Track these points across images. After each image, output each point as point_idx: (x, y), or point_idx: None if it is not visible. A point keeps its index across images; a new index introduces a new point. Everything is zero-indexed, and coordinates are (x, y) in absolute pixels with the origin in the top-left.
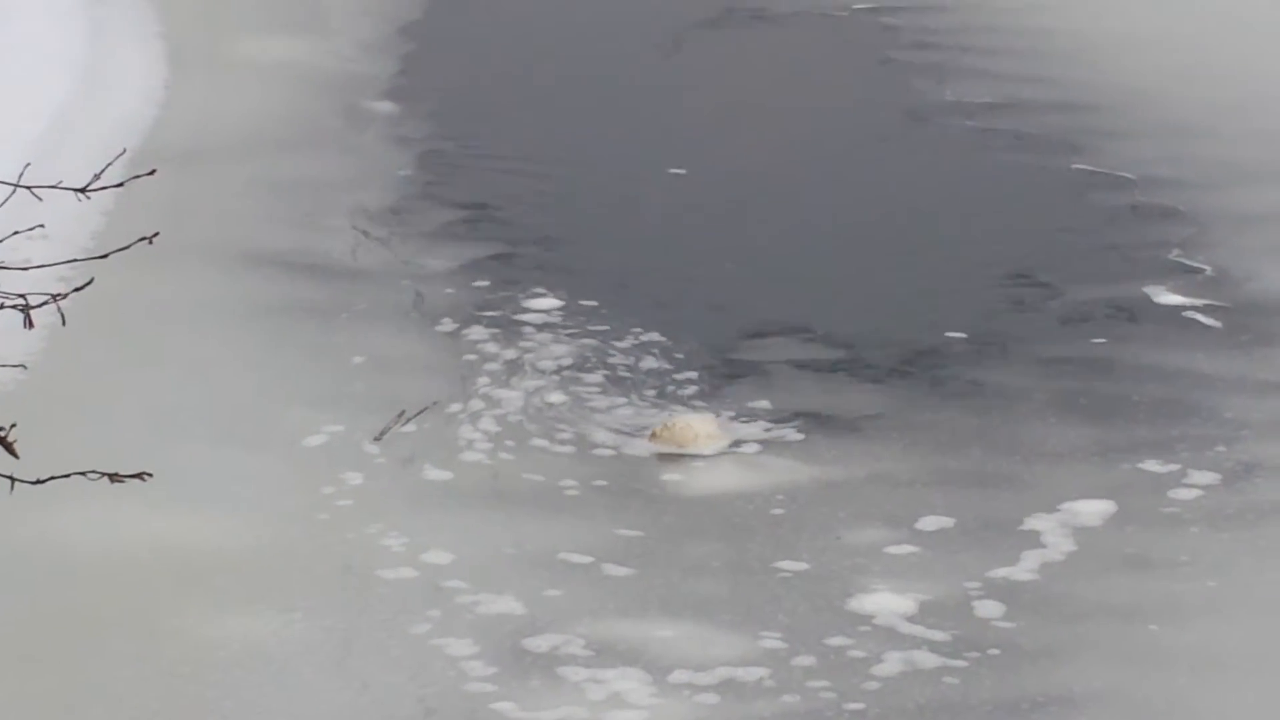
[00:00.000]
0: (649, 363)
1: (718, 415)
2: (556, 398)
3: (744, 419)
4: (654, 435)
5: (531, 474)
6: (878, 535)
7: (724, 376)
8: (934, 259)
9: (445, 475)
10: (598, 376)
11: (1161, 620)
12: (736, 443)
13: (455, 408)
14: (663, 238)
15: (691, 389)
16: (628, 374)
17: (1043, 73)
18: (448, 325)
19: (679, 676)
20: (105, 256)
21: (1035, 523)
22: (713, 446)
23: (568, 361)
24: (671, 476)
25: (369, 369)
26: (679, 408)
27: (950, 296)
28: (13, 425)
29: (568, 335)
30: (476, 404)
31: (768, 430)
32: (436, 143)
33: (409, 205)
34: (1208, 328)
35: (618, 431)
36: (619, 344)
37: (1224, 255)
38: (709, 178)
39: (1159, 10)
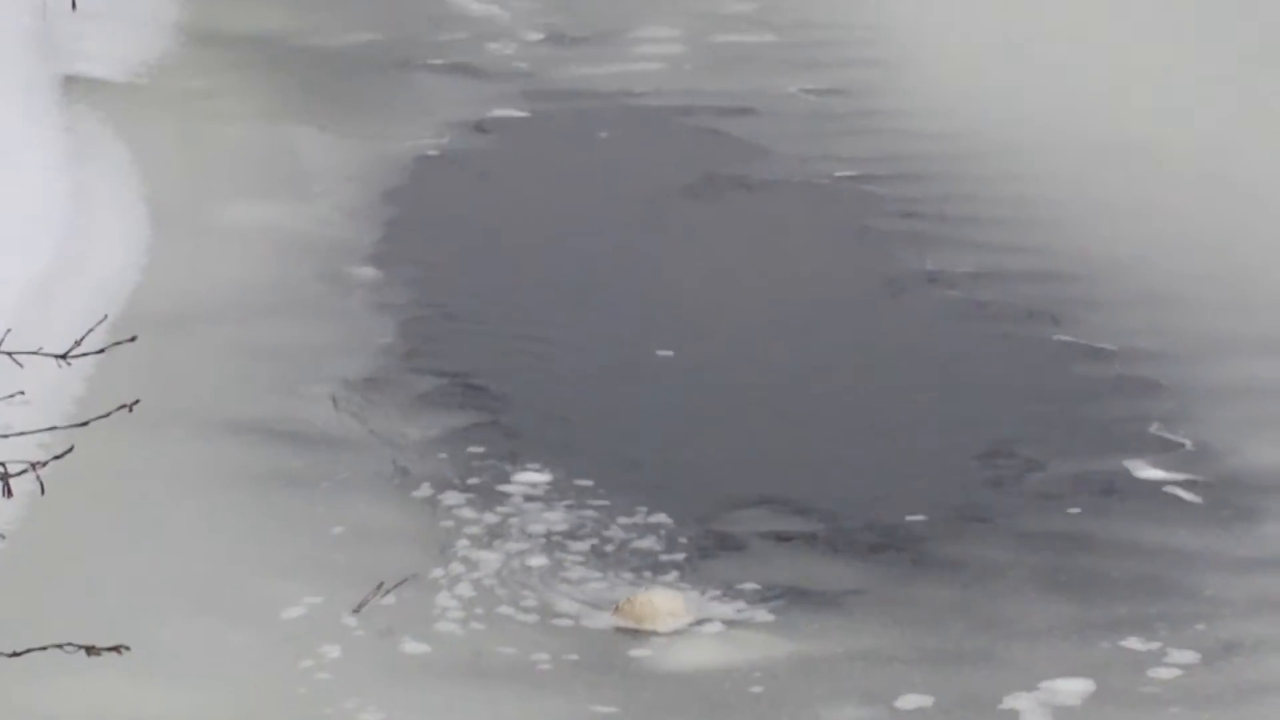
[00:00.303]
0: (625, 535)
1: (692, 590)
2: (535, 569)
3: (722, 593)
4: (617, 609)
5: (511, 648)
6: (856, 713)
7: (702, 549)
8: (913, 431)
9: (424, 648)
10: (577, 548)
11: None
12: (702, 620)
13: (434, 579)
14: (641, 409)
15: (669, 561)
16: (605, 546)
17: (1024, 242)
18: (428, 495)
19: None
20: (85, 424)
21: (1015, 701)
22: (673, 624)
23: (545, 533)
24: (648, 652)
25: (349, 539)
26: (652, 581)
27: (929, 470)
28: None
29: (546, 507)
30: (455, 576)
31: (746, 605)
32: (419, 310)
33: (390, 373)
34: (1188, 503)
35: (587, 604)
36: (598, 516)
37: (1205, 429)
38: (690, 348)
39: (1139, 180)
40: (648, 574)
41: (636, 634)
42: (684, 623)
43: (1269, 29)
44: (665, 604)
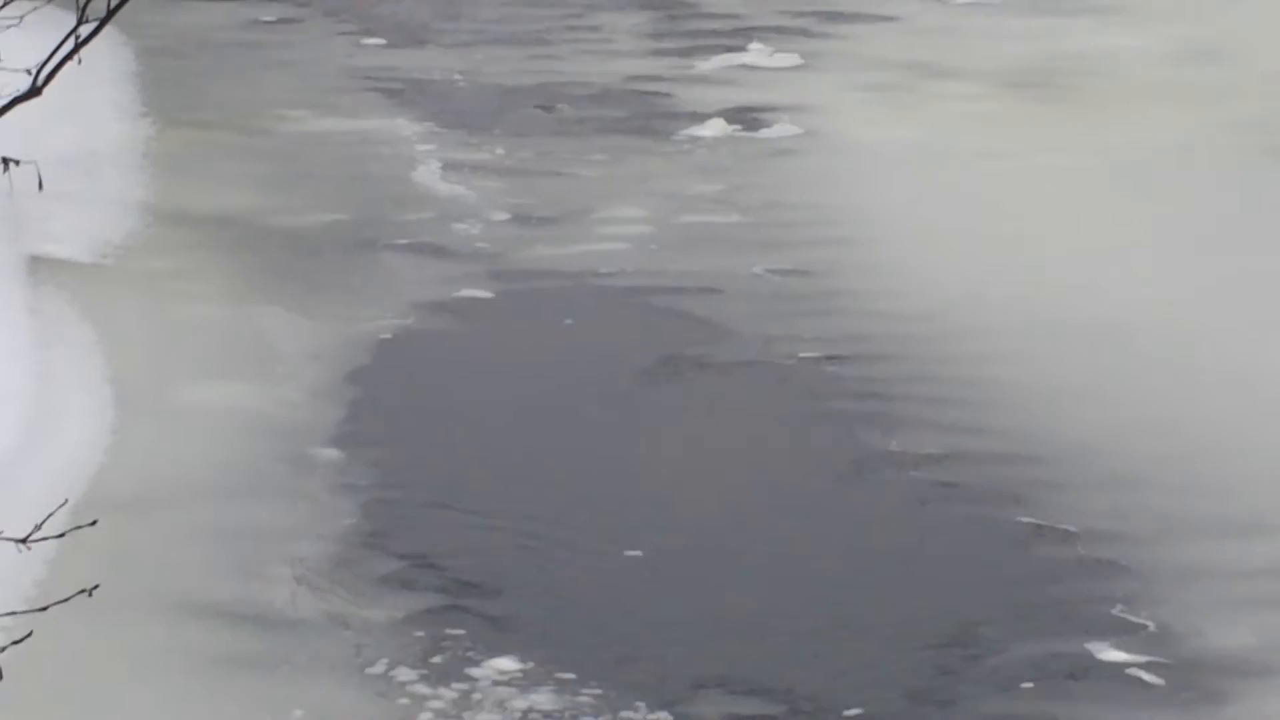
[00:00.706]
0: (587, 718)
1: None
2: None
3: None
4: None
5: None
6: None
7: None
8: (876, 614)
9: None
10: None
11: None
12: None
13: None
14: (602, 593)
15: None
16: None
17: (987, 423)
18: (388, 677)
19: None
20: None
21: None
22: None
23: (505, 717)
24: None
25: None
26: None
27: (891, 652)
28: None
29: (508, 691)
30: None
31: None
32: (382, 492)
33: (353, 555)
34: (1151, 685)
35: None
36: (559, 700)
37: (1167, 611)
38: (654, 535)
39: (1101, 362)
40: None
41: None
42: None
43: (1225, 217)
44: None
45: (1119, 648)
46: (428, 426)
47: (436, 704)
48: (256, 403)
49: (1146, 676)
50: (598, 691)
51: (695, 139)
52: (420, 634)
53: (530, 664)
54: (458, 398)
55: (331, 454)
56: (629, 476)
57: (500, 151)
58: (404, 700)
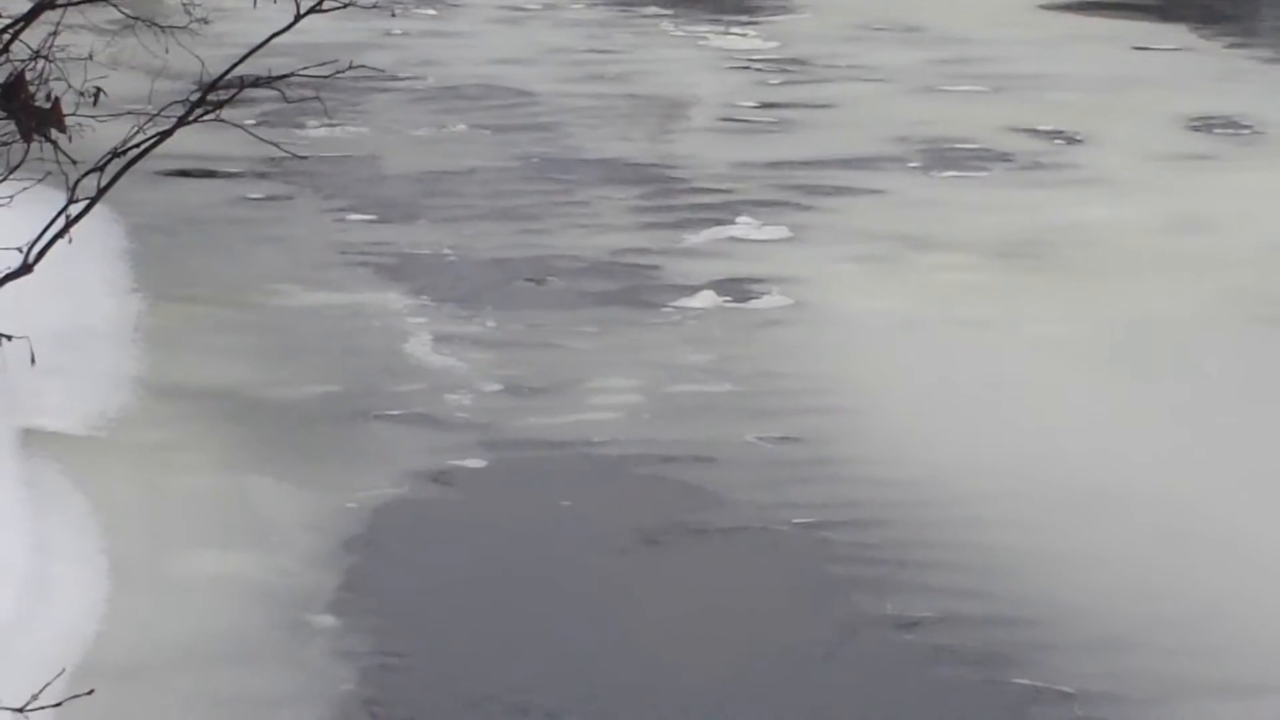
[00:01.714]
0: None
1: None
2: None
3: None
4: None
5: None
6: None
7: None
8: None
9: None
10: None
11: None
12: None
13: None
14: None
15: None
16: None
17: (981, 587)
18: None
19: None
20: None
21: None
22: None
23: None
24: None
25: None
26: None
27: None
28: None
29: None
30: None
31: None
32: (379, 658)
33: None
34: None
35: None
36: None
37: None
38: (651, 701)
39: (1095, 526)
40: None
41: None
42: None
43: (1217, 385)
44: None
45: None
46: (423, 595)
47: None
48: (252, 571)
49: None
50: None
51: (685, 310)
52: None
53: None
54: (452, 566)
55: (328, 621)
56: (622, 645)
57: (491, 324)
58: None
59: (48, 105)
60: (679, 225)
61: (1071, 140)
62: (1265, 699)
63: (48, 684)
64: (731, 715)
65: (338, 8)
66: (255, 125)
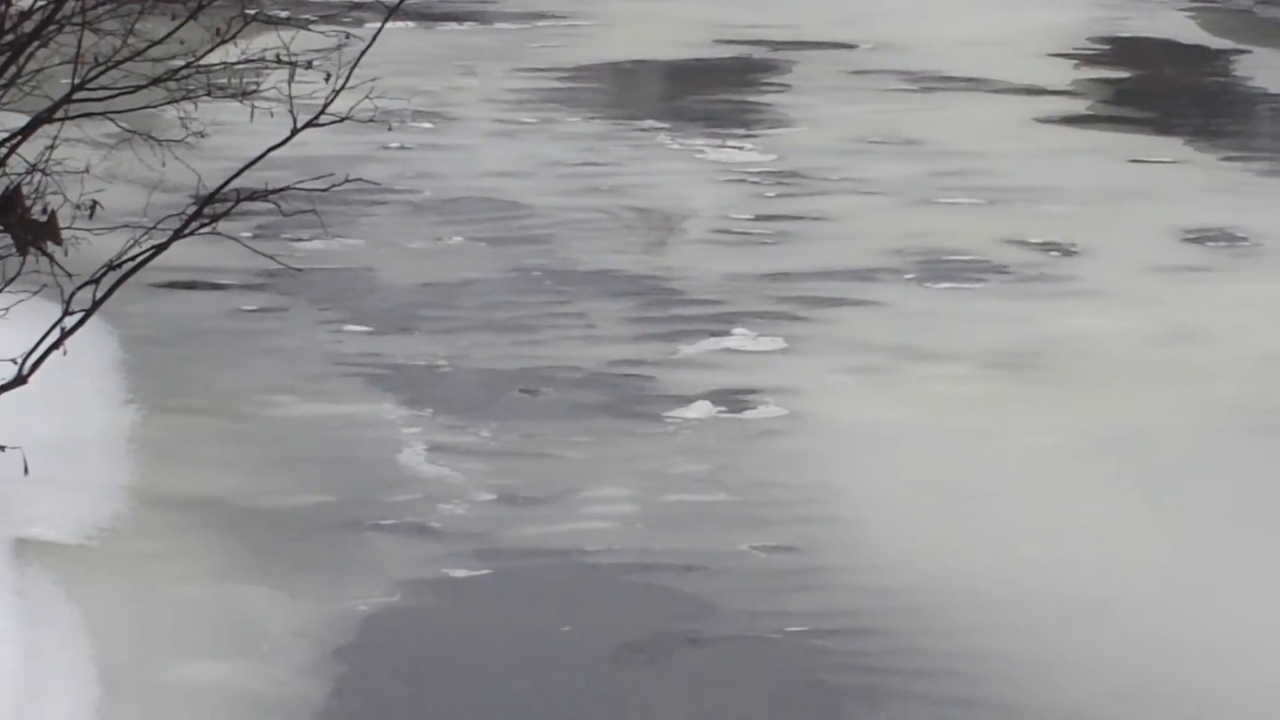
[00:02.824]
0: None
1: None
2: None
3: None
4: None
5: None
6: None
7: None
8: None
9: None
10: None
11: None
12: None
13: None
14: None
15: None
16: None
17: (977, 695)
18: None
19: None
20: None
21: None
22: None
23: None
24: None
25: None
26: None
27: None
28: None
29: None
30: None
31: None
32: None
33: None
34: None
35: None
36: None
37: None
38: None
39: (1090, 635)
40: None
41: None
42: None
43: (1211, 494)
44: None
45: None
46: (415, 704)
47: None
48: (243, 680)
49: None
50: None
51: (680, 420)
52: None
53: None
54: (444, 675)
55: None
56: None
57: (485, 434)
58: None
59: (44, 218)
60: (674, 336)
61: (1067, 252)
62: None
63: None
64: None
65: (334, 122)
66: (251, 238)
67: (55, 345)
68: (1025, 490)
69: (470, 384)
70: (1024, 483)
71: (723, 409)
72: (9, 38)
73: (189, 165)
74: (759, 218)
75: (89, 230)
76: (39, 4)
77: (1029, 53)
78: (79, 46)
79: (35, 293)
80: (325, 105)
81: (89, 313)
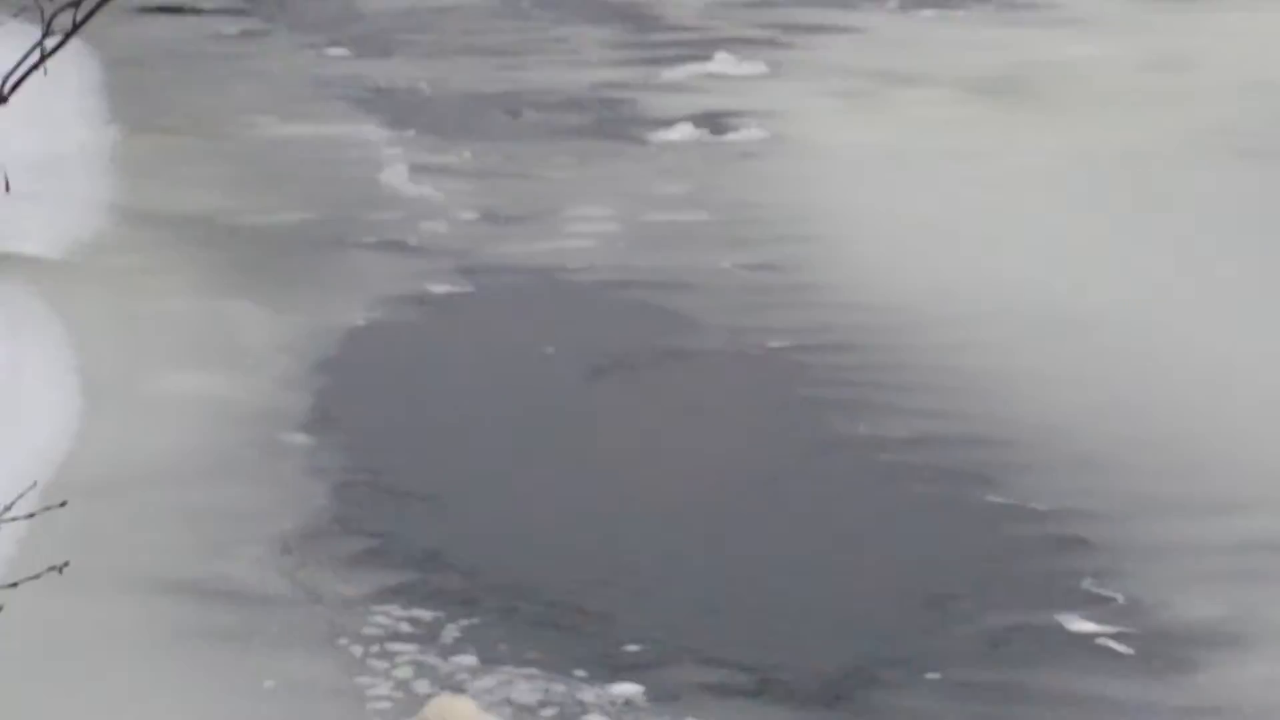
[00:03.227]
0: (556, 690)
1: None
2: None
3: None
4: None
5: None
6: None
7: (632, 702)
8: (848, 588)
9: None
10: (507, 702)
11: None
12: None
13: None
14: (573, 571)
15: (602, 713)
16: (538, 700)
17: (954, 408)
18: (358, 651)
19: None
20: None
21: None
22: None
23: (475, 689)
24: None
25: (282, 694)
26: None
27: (861, 621)
28: None
29: (477, 664)
30: None
31: None
32: (351, 475)
33: (323, 534)
34: (1121, 655)
35: None
36: (528, 673)
37: (1136, 585)
38: (625, 514)
39: (1068, 350)
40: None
41: None
42: None
43: (1192, 215)
44: (460, 708)
45: (1089, 619)
46: (396, 414)
47: (403, 672)
48: (225, 391)
49: (1116, 647)
50: (562, 662)
51: (662, 143)
52: (390, 609)
53: (496, 637)
54: (426, 387)
55: (301, 439)
56: (596, 462)
57: (467, 155)
58: (374, 673)
59: None
60: (657, 61)
61: None
62: (1235, 517)
63: (20, 495)
64: (705, 525)
65: None
66: None
67: (36, 66)
68: (1008, 209)
69: (452, 106)
70: (1007, 202)
71: (705, 131)
72: None
73: None
74: None
75: None
76: None
77: None
78: None
79: (14, 15)
80: None
81: (70, 34)
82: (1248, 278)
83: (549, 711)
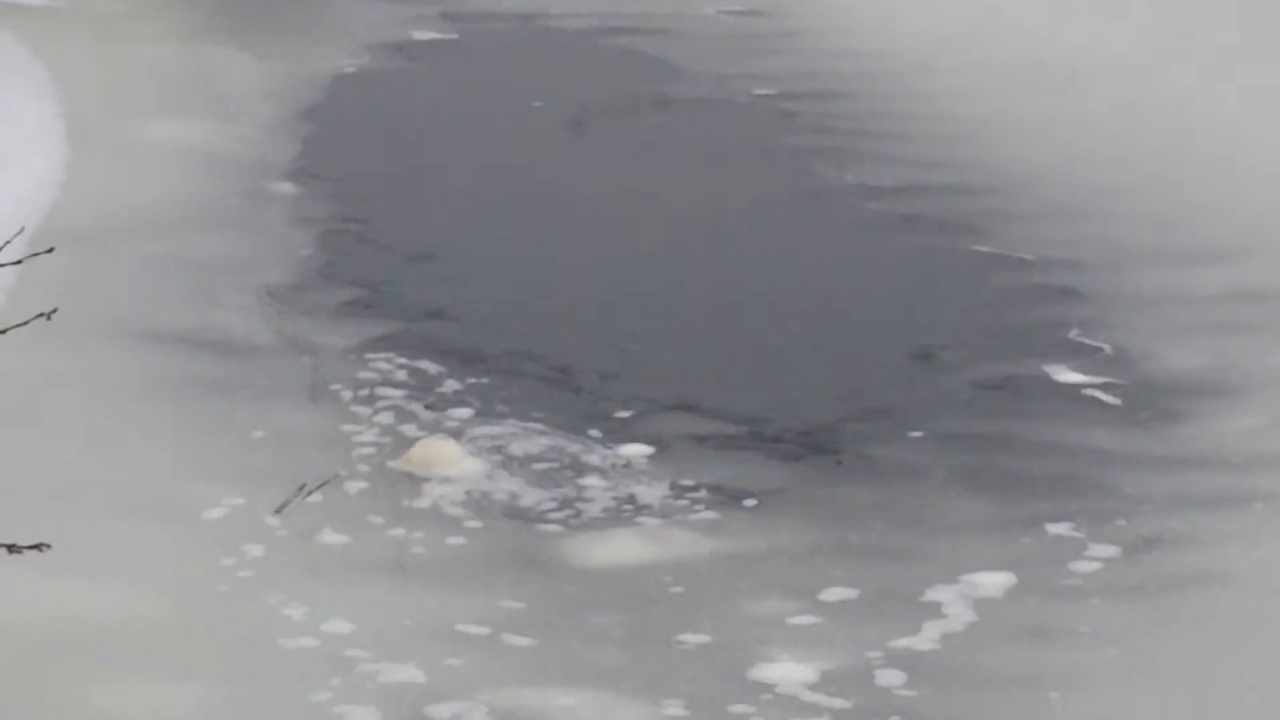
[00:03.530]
0: (545, 442)
1: (610, 491)
2: (453, 472)
3: (643, 493)
4: (405, 458)
5: (432, 544)
6: (780, 605)
7: (622, 454)
8: (834, 337)
9: (345, 546)
10: (496, 453)
11: (1062, 688)
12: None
13: (354, 480)
14: (561, 317)
15: (589, 466)
16: (524, 451)
17: (941, 157)
18: (347, 400)
19: None
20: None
21: (936, 594)
22: (454, 468)
23: (465, 439)
24: (573, 547)
25: (270, 443)
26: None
27: (850, 373)
28: None
29: (465, 413)
30: (375, 477)
31: (668, 505)
32: (337, 224)
33: (310, 284)
34: (1107, 405)
35: (509, 507)
36: (517, 423)
37: (1123, 335)
38: (610, 260)
39: (1057, 99)
40: (569, 474)
41: (422, 479)
42: (462, 467)
43: None
44: (445, 449)
45: (1075, 369)
46: (382, 161)
47: (391, 423)
48: (211, 139)
49: (1103, 396)
50: (553, 417)
51: None
52: (377, 358)
53: (485, 386)
54: (412, 134)
55: (286, 188)
56: (583, 205)
57: None
58: (364, 425)
59: None
60: None
61: None
62: (1217, 264)
63: (6, 242)
64: (692, 273)
65: None
66: None
67: None
68: None
69: None
70: None
71: None
72: None
73: None
74: None
75: None
76: None
77: None
78: None
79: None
80: None
81: None
82: (1249, 38)
83: (541, 465)
